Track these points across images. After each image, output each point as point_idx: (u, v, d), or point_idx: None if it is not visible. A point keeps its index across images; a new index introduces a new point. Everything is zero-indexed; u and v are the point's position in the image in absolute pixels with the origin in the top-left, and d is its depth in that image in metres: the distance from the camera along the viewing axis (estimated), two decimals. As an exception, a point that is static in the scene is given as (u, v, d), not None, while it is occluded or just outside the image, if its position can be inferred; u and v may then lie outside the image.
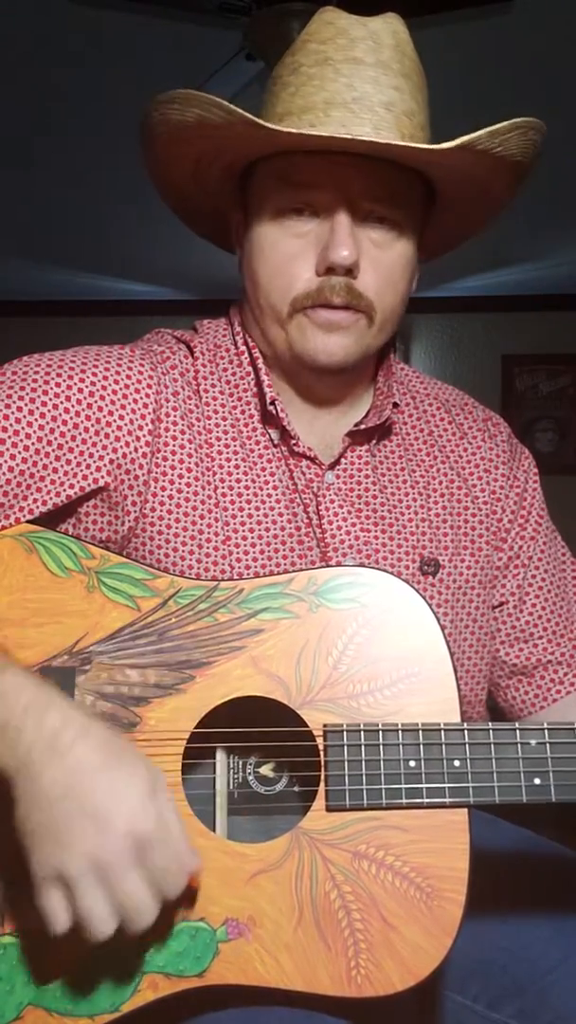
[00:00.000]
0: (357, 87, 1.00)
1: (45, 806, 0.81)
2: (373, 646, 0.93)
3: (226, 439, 1.09)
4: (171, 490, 1.04)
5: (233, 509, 1.06)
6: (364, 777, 0.91)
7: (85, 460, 1.01)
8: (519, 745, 0.91)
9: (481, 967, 1.07)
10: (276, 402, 1.08)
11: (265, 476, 1.08)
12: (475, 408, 1.26)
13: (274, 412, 1.08)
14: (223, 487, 1.06)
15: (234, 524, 1.05)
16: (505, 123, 0.98)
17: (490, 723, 0.93)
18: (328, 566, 1.06)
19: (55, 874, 0.81)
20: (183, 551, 1.03)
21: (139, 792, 0.82)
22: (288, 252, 1.05)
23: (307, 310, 1.04)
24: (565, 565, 1.25)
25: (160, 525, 1.04)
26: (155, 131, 1.04)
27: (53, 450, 1.00)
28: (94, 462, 1.02)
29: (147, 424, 1.04)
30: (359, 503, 1.11)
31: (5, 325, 5.11)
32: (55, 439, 1.00)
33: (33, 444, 0.99)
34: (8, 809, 0.83)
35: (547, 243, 4.41)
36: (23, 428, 0.99)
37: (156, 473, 1.04)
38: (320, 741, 0.92)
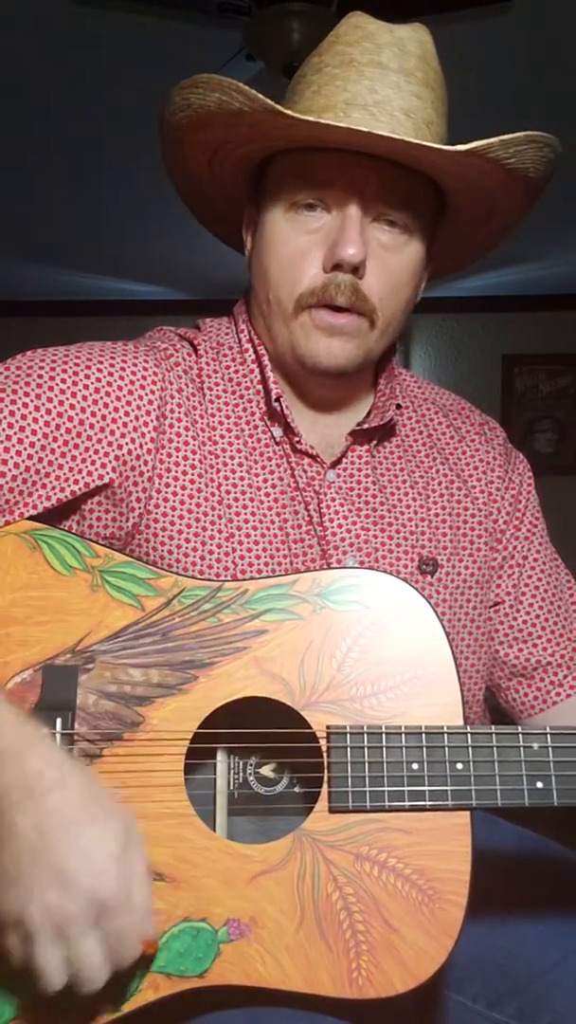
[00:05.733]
0: (379, 91, 1.01)
1: (14, 851, 0.79)
2: (377, 648, 0.93)
3: (229, 436, 1.09)
4: (175, 487, 1.04)
5: (237, 506, 1.06)
6: (367, 779, 0.91)
7: (90, 456, 1.01)
8: (521, 748, 0.91)
9: (481, 967, 1.07)
10: (281, 399, 1.09)
11: (266, 474, 1.09)
12: (472, 412, 1.27)
13: (279, 409, 1.08)
14: (226, 484, 1.06)
15: (237, 521, 1.05)
16: (519, 134, 0.98)
17: (493, 726, 0.93)
18: (332, 568, 1.06)
19: (15, 920, 0.79)
20: (186, 548, 1.03)
21: (108, 852, 0.80)
22: (298, 247, 1.05)
23: (311, 309, 1.05)
24: (559, 568, 1.26)
25: (164, 522, 1.04)
26: (176, 115, 1.04)
27: (59, 446, 1.00)
28: (99, 458, 1.02)
29: (151, 420, 1.04)
30: (359, 502, 1.11)
31: (5, 325, 5.10)
32: (60, 435, 1.00)
33: (39, 440, 0.99)
34: None
35: (547, 243, 4.41)
36: (28, 424, 0.99)
37: (160, 470, 1.04)
38: (323, 743, 0.92)
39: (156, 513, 1.04)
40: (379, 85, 1.01)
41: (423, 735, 0.91)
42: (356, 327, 1.05)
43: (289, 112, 0.98)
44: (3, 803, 0.80)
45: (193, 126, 1.04)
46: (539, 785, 0.91)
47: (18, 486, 0.98)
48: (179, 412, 1.06)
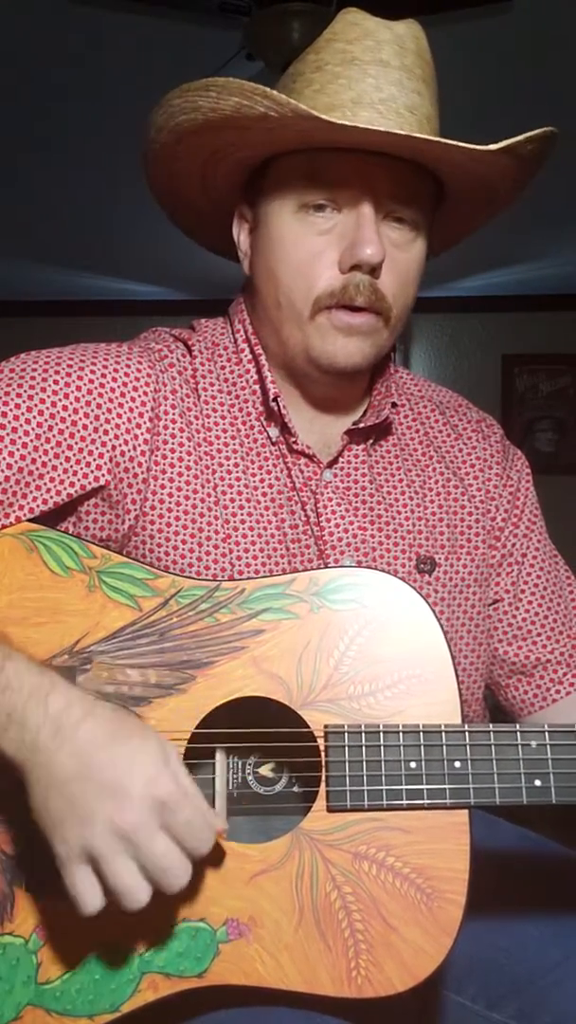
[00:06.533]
0: (384, 88, 1.00)
1: (61, 788, 0.81)
2: (374, 647, 0.93)
3: (225, 437, 1.08)
4: (170, 488, 1.04)
5: (233, 507, 1.06)
6: (365, 778, 0.90)
7: (84, 458, 1.01)
8: (519, 747, 0.91)
9: (480, 967, 1.07)
10: (279, 399, 1.08)
11: (263, 474, 1.08)
12: (469, 409, 1.26)
13: (276, 409, 1.08)
14: (223, 485, 1.06)
15: (234, 522, 1.05)
16: (538, 132, 0.99)
17: (491, 724, 0.93)
18: (330, 567, 1.06)
19: (81, 852, 0.81)
20: (183, 549, 1.03)
21: (151, 759, 0.83)
22: (312, 250, 1.04)
23: (330, 311, 1.04)
24: (559, 565, 1.26)
25: (160, 523, 1.03)
26: (174, 119, 1.02)
27: (52, 447, 1.00)
28: (94, 460, 1.02)
29: (145, 422, 1.04)
30: (356, 502, 1.11)
31: (5, 325, 5.11)
32: (54, 437, 1.00)
33: (32, 442, 0.99)
34: (25, 798, 0.83)
35: (547, 243, 4.41)
36: (22, 426, 0.99)
37: (155, 471, 1.04)
38: (321, 742, 0.92)
39: (152, 515, 1.03)
40: (383, 83, 1.00)
41: (421, 734, 0.91)
42: (372, 326, 1.05)
43: (326, 117, 0.96)
44: (36, 746, 0.83)
45: (200, 130, 1.02)
46: (537, 783, 0.91)
47: (12, 487, 0.98)
48: (173, 413, 1.06)
